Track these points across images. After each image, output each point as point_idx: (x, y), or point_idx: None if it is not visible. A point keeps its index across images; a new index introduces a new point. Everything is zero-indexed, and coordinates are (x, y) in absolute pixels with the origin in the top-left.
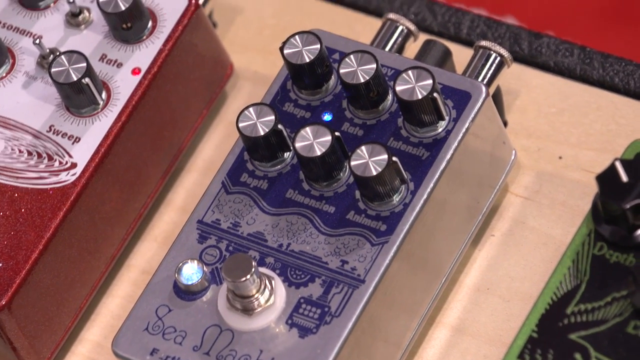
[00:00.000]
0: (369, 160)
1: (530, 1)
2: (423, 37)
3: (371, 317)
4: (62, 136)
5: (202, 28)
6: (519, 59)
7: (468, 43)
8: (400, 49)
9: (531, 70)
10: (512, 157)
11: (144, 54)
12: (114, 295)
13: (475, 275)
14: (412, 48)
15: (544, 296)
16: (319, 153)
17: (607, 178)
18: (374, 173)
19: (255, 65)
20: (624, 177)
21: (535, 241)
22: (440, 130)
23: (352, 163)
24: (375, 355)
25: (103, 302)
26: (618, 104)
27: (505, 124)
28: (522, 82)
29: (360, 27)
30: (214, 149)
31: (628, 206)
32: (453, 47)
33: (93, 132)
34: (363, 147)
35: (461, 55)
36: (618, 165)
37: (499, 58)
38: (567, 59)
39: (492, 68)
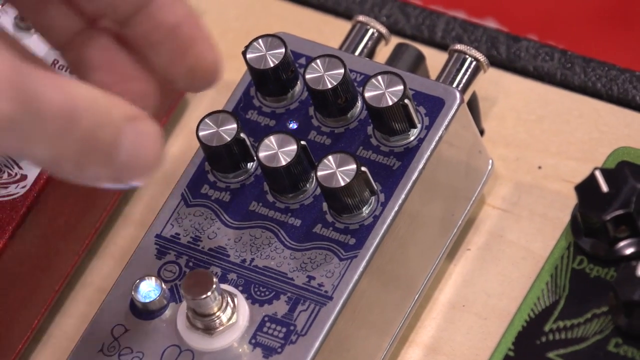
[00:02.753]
0: (336, 170)
1: (511, 3)
2: (395, 41)
3: (339, 336)
4: None
5: None
6: (496, 63)
7: (443, 47)
8: (370, 54)
9: (509, 75)
10: (489, 167)
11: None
12: (68, 315)
13: (450, 292)
14: (384, 52)
15: (520, 313)
16: (283, 163)
17: (586, 188)
18: (342, 184)
19: None
20: (604, 188)
21: (513, 255)
22: (412, 138)
23: (319, 174)
24: None
25: (56, 322)
26: (601, 110)
27: (482, 132)
28: (500, 88)
29: (329, 30)
30: (174, 159)
31: (608, 218)
32: (427, 51)
33: None
34: (330, 157)
35: (435, 60)
36: (598, 174)
37: (474, 62)
38: (547, 63)
39: (468, 73)
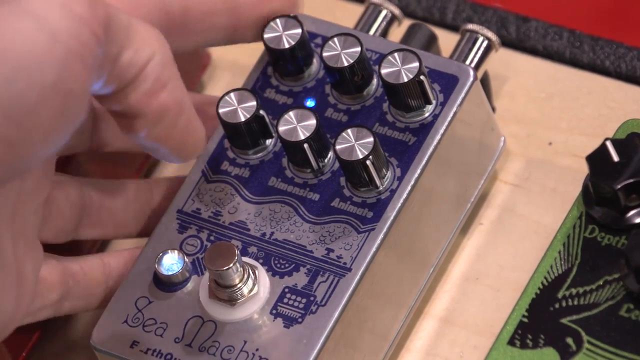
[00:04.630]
0: (355, 143)
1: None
2: (407, 23)
3: (358, 308)
4: None
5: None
6: (506, 43)
7: (453, 28)
8: (384, 34)
9: (519, 55)
10: (501, 144)
11: None
12: None
13: (464, 265)
14: (397, 33)
15: (534, 280)
16: (302, 137)
17: (597, 158)
18: (361, 157)
19: (233, 54)
20: (615, 157)
21: (525, 229)
22: (427, 115)
23: (338, 147)
24: (361, 347)
25: None
26: (609, 87)
27: (493, 110)
28: (510, 67)
29: (341, 14)
30: None
31: (619, 186)
32: (438, 32)
33: None
34: (349, 131)
35: (447, 41)
36: (609, 145)
37: (486, 42)
38: (556, 42)
39: (480, 52)
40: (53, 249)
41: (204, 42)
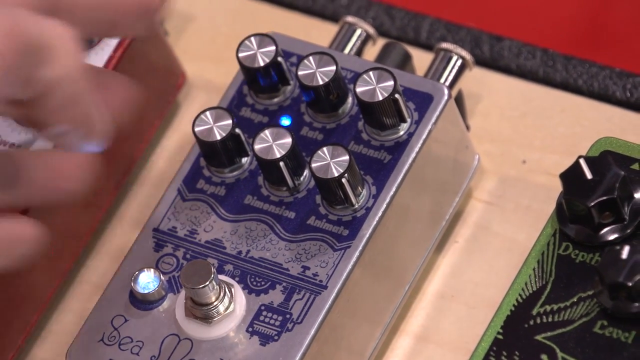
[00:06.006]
0: (330, 161)
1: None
2: (381, 42)
3: (334, 325)
4: (10, 147)
5: (152, 35)
6: (480, 62)
7: (427, 47)
8: (358, 53)
9: (493, 73)
10: (475, 162)
11: (94, 62)
12: (66, 311)
13: (439, 282)
14: (371, 52)
15: (508, 297)
16: (278, 156)
17: (571, 176)
18: (336, 174)
19: (209, 74)
20: (589, 175)
21: (499, 246)
22: (402, 133)
23: (314, 165)
24: None
25: (55, 318)
26: (582, 106)
27: (467, 128)
28: (484, 85)
29: (317, 33)
30: (168, 161)
31: (593, 204)
32: (412, 51)
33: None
34: (324, 149)
35: (421, 60)
36: (582, 162)
37: (460, 60)
38: (530, 61)
39: (454, 70)
40: None
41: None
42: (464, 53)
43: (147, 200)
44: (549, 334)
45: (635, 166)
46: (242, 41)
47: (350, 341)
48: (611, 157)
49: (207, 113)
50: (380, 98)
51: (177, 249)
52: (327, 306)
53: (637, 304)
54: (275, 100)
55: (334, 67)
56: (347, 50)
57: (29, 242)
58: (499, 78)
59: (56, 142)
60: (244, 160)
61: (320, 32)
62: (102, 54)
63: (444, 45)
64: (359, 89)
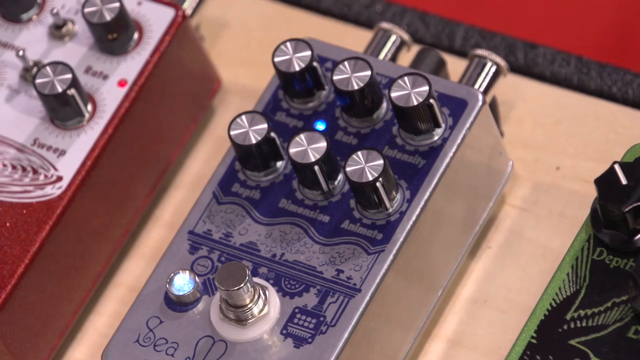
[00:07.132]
0: (365, 165)
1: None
2: (416, 49)
3: (367, 329)
4: (47, 149)
5: (188, 40)
6: (514, 69)
7: (462, 54)
8: (393, 59)
9: (527, 80)
10: (509, 168)
11: (130, 66)
12: (101, 313)
13: (472, 287)
14: (405, 59)
15: (542, 302)
16: (313, 159)
17: (606, 181)
18: (371, 179)
19: (243, 79)
20: (624, 180)
21: (532, 252)
22: (436, 138)
23: (348, 169)
24: None
25: (90, 320)
26: (616, 113)
27: (501, 134)
28: (518, 92)
29: (351, 40)
30: (202, 164)
31: (627, 209)
32: (447, 58)
33: (79, 145)
34: (359, 153)
35: (455, 66)
36: (617, 168)
37: (495, 67)
38: (564, 68)
39: (489, 77)
40: None
41: None
42: (499, 59)
43: (183, 203)
44: (582, 338)
45: None
46: (278, 46)
47: (383, 345)
48: None
49: (243, 117)
50: (415, 103)
51: (212, 252)
52: (360, 309)
53: None
54: (310, 104)
55: (369, 72)
56: (381, 57)
57: None
58: (533, 85)
59: None
60: (279, 164)
61: (355, 39)
62: (138, 58)
63: (479, 51)
64: (393, 94)
